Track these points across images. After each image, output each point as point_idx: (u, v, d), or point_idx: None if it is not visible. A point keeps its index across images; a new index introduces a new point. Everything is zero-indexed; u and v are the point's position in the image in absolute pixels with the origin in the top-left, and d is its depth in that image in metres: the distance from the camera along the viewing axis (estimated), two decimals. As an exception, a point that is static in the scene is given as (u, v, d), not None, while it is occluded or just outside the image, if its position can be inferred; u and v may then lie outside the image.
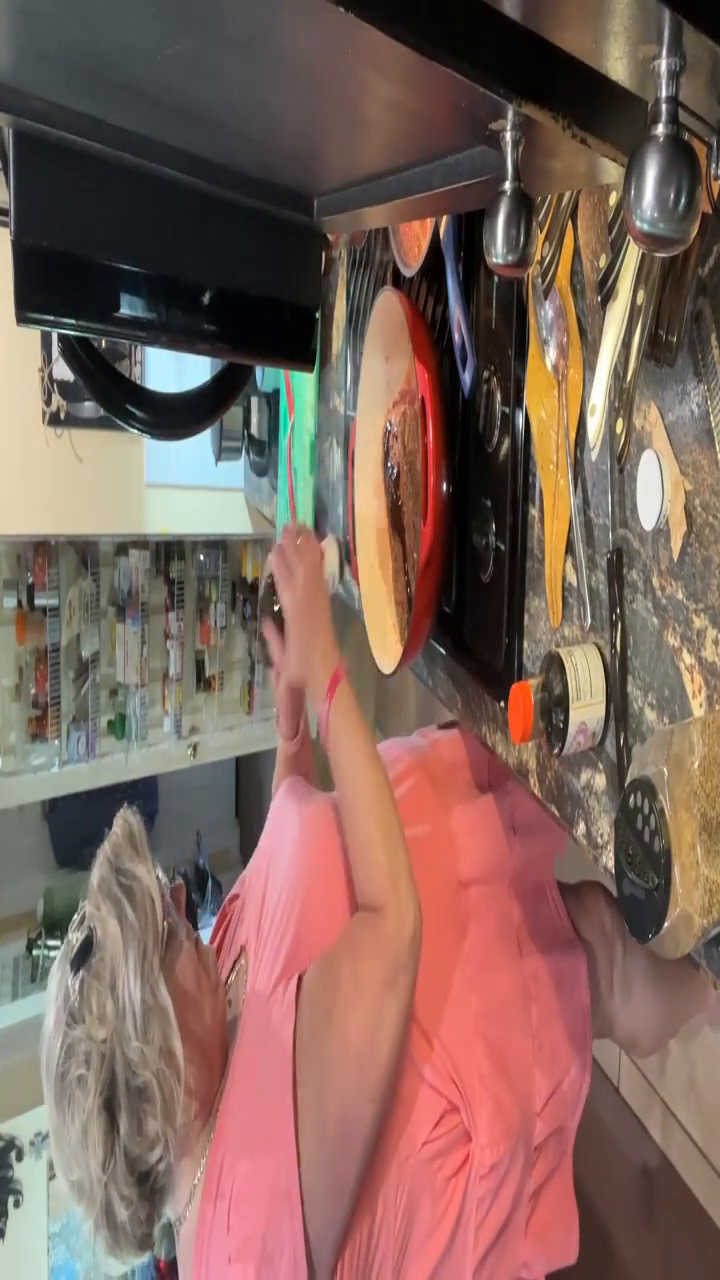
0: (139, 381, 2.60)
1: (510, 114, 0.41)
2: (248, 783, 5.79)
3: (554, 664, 0.75)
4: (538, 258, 0.78)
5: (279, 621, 1.07)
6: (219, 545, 3.62)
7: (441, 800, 1.11)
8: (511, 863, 1.07)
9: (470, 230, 0.96)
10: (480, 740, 1.04)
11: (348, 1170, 0.77)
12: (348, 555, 1.23)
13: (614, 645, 0.73)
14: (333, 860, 0.93)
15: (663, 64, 0.32)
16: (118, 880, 0.81)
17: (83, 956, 0.78)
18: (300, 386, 1.74)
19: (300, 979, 0.84)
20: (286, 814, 1.06)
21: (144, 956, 0.77)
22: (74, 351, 1.46)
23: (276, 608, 1.07)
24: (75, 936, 0.80)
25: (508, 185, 0.43)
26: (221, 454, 2.28)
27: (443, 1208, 0.85)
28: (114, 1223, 0.76)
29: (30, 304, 0.88)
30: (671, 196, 0.33)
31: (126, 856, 0.84)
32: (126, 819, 0.87)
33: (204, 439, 2.16)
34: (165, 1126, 0.75)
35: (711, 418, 0.61)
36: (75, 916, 0.82)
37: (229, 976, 0.96)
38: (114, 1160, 0.74)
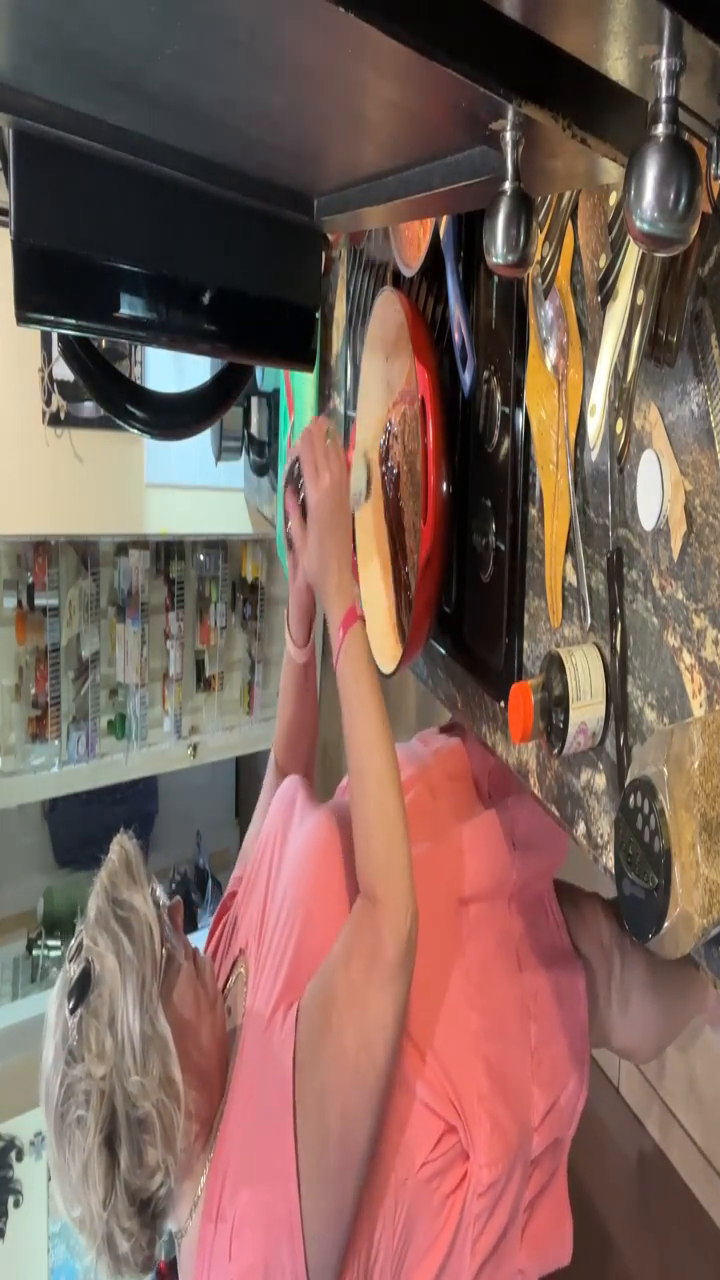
0: (139, 381, 2.60)
1: (510, 114, 0.41)
2: (248, 783, 5.79)
3: (554, 664, 0.75)
4: (538, 258, 0.78)
5: (302, 506, 1.03)
6: (219, 545, 3.63)
7: (443, 815, 1.10)
8: (512, 879, 1.07)
9: (470, 230, 0.96)
10: (480, 740, 1.04)
11: (347, 1192, 0.77)
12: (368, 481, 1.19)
13: (614, 645, 0.73)
14: (336, 878, 0.92)
15: (663, 64, 0.32)
16: (115, 913, 0.81)
17: (80, 991, 0.78)
18: (300, 386, 1.74)
19: (299, 1008, 0.84)
20: (288, 817, 1.05)
21: (142, 988, 0.77)
22: (74, 351, 1.46)
23: (302, 496, 1.03)
24: (72, 969, 0.79)
25: (508, 185, 0.43)
26: (221, 454, 2.28)
27: (440, 1225, 0.85)
28: (116, 1253, 0.76)
29: (30, 304, 0.88)
30: (671, 196, 0.33)
31: (123, 885, 0.83)
32: (123, 845, 0.86)
33: (204, 439, 2.16)
34: (166, 1154, 0.75)
35: (711, 418, 0.61)
36: (73, 943, 0.82)
37: (228, 981, 0.95)
38: (115, 1195, 0.74)
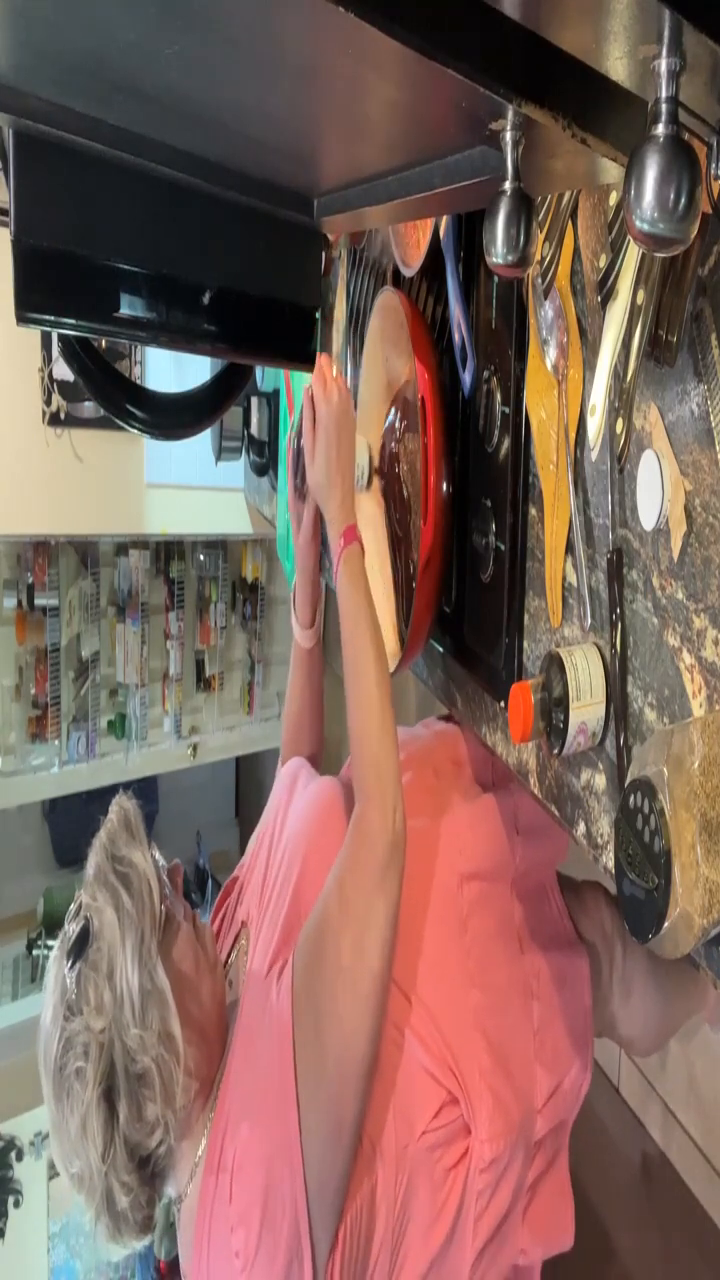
0: (139, 381, 2.60)
1: (510, 114, 0.41)
2: (248, 783, 5.79)
3: (554, 664, 0.75)
4: (538, 258, 0.78)
5: (301, 472, 1.09)
6: (219, 545, 3.63)
7: (444, 794, 1.11)
8: (514, 863, 1.07)
9: (470, 230, 0.96)
10: (480, 740, 1.04)
11: (347, 1112, 0.77)
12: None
13: (614, 645, 0.73)
14: (334, 834, 0.93)
15: (663, 64, 0.32)
16: (114, 868, 0.81)
17: (79, 947, 0.78)
18: (300, 386, 1.74)
19: (297, 942, 0.85)
20: (290, 794, 1.07)
21: (141, 942, 0.77)
22: (74, 351, 1.46)
23: (300, 463, 1.08)
24: (72, 928, 0.80)
25: (508, 185, 0.43)
26: (221, 454, 2.28)
27: (442, 1199, 0.85)
28: (115, 1210, 0.76)
29: (30, 304, 0.88)
30: (671, 196, 0.33)
31: (122, 842, 0.84)
32: (123, 804, 0.87)
33: (204, 439, 2.16)
34: (165, 1109, 0.75)
35: (711, 418, 0.61)
36: (71, 906, 0.82)
37: (229, 955, 0.96)
38: (113, 1149, 0.74)
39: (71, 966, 0.77)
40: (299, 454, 1.09)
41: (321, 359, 1.08)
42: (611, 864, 0.64)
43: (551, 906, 1.13)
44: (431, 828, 1.03)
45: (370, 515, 1.21)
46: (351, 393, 1.09)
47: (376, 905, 0.81)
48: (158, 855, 0.85)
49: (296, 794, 1.05)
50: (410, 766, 1.11)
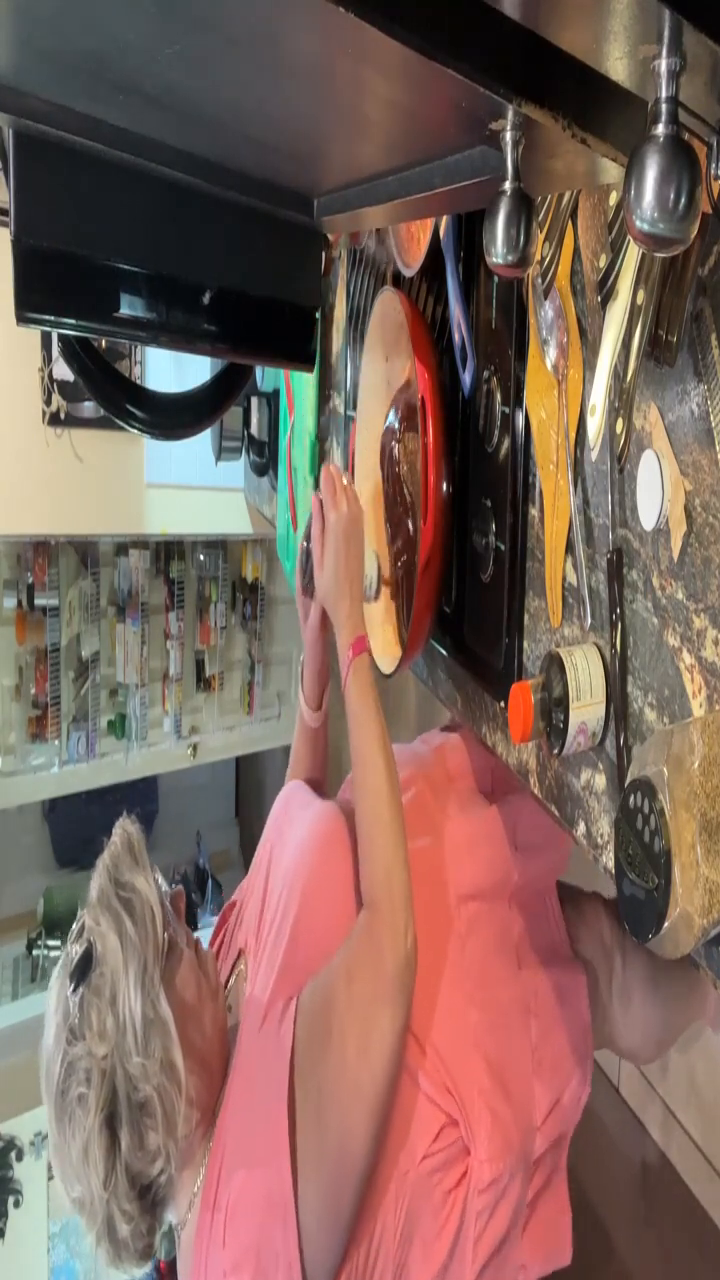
0: (139, 381, 2.60)
1: (510, 114, 0.41)
2: (248, 783, 5.79)
3: (554, 664, 0.75)
4: (538, 258, 0.78)
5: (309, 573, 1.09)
6: (219, 545, 3.63)
7: (443, 812, 1.10)
8: (513, 879, 1.07)
9: (470, 230, 0.96)
10: (480, 740, 1.04)
11: (346, 1195, 0.76)
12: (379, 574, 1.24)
13: (614, 645, 0.73)
14: (334, 866, 0.93)
15: (663, 64, 0.32)
16: (117, 893, 0.81)
17: (82, 971, 0.77)
18: (300, 386, 1.74)
19: (297, 1006, 0.84)
20: (289, 818, 1.06)
21: (144, 970, 0.77)
22: (74, 351, 1.46)
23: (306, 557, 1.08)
24: (75, 949, 0.79)
25: (508, 185, 0.43)
26: (221, 454, 2.28)
27: (442, 1221, 0.85)
28: (116, 1238, 0.76)
29: (30, 304, 0.88)
30: (671, 196, 0.33)
31: (126, 867, 0.83)
32: (126, 828, 0.87)
33: (204, 439, 2.16)
34: (167, 1139, 0.75)
35: (711, 418, 0.61)
36: (74, 926, 0.82)
37: (228, 980, 0.96)
38: (115, 1176, 0.73)
39: (74, 990, 0.77)
40: (307, 556, 1.09)
41: (331, 468, 1.08)
42: (611, 864, 0.64)
43: (549, 918, 1.12)
44: (430, 849, 1.02)
45: (371, 515, 1.21)
46: (355, 485, 1.10)
47: (383, 1016, 0.80)
48: (160, 880, 0.84)
49: (291, 821, 1.04)
50: (408, 786, 1.10)
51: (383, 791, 0.92)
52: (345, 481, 1.07)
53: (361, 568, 1.05)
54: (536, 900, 1.11)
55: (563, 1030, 1.03)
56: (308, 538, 1.09)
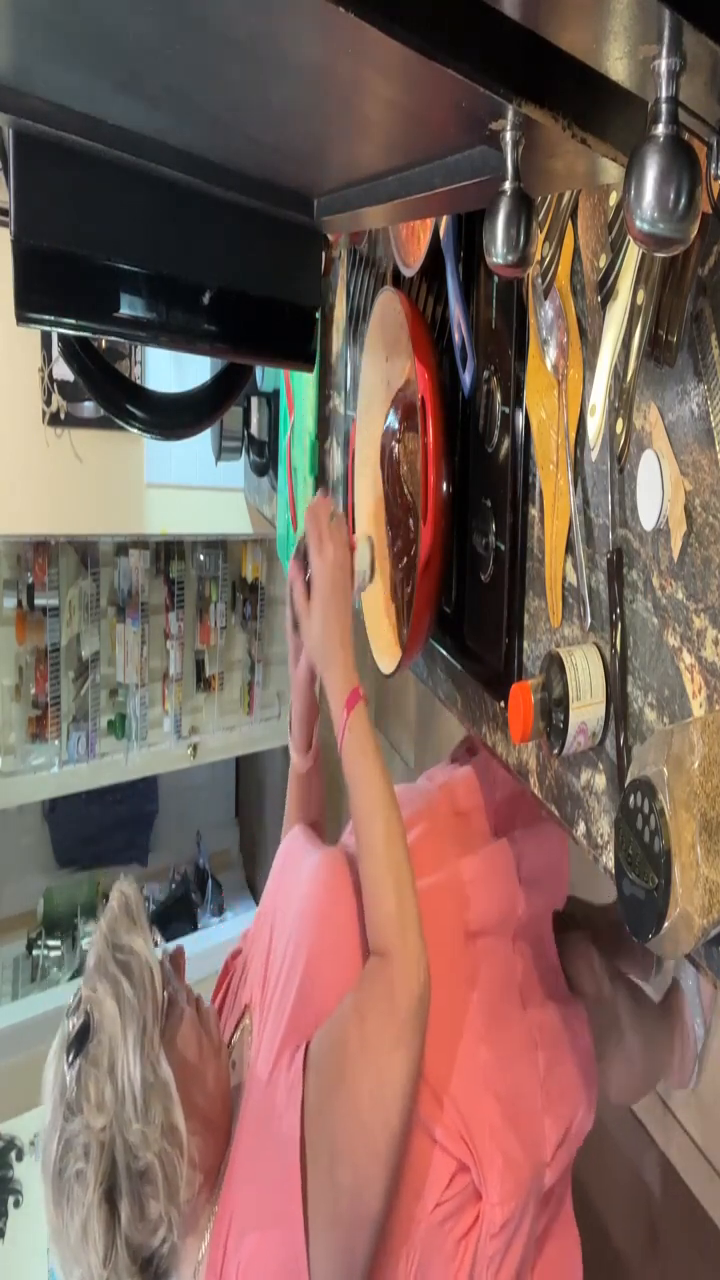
0: (139, 381, 2.60)
1: (510, 114, 0.41)
2: (248, 783, 5.79)
3: (554, 664, 0.75)
4: (538, 258, 0.78)
5: (306, 586, 1.05)
6: (219, 545, 3.63)
7: (452, 850, 1.09)
8: (518, 913, 1.06)
9: (470, 230, 0.96)
10: (480, 740, 1.04)
11: (359, 1248, 0.74)
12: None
13: (614, 645, 0.73)
14: (338, 915, 0.90)
15: (663, 64, 0.32)
16: (114, 957, 0.79)
17: (79, 1043, 0.75)
18: (300, 386, 1.74)
19: (307, 1047, 0.81)
20: (292, 867, 1.03)
21: (143, 1032, 0.75)
22: (74, 351, 1.46)
23: (308, 576, 1.04)
24: (72, 1023, 0.77)
25: (508, 185, 0.43)
26: (221, 454, 2.28)
27: (454, 1271, 0.83)
28: None
29: (30, 304, 0.88)
30: (671, 196, 0.33)
31: (123, 930, 0.81)
32: (123, 890, 0.85)
33: (204, 439, 2.16)
34: (169, 1206, 0.72)
35: (711, 418, 0.61)
36: (71, 1001, 0.79)
37: (233, 1037, 0.93)
38: (115, 1251, 0.71)
39: (71, 1063, 0.75)
40: (300, 552, 1.05)
41: (318, 501, 1.04)
42: (611, 864, 0.64)
43: (547, 958, 1.11)
44: (438, 886, 1.01)
45: (370, 515, 1.21)
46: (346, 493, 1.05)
47: (396, 1058, 0.78)
48: (159, 940, 0.83)
49: (293, 872, 1.01)
50: (414, 823, 1.08)
51: (393, 843, 0.88)
52: (331, 518, 1.03)
53: (349, 621, 1.00)
54: (536, 942, 1.10)
55: (569, 1060, 1.02)
56: (300, 553, 1.05)
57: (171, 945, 0.85)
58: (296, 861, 1.03)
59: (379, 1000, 0.80)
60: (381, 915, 0.85)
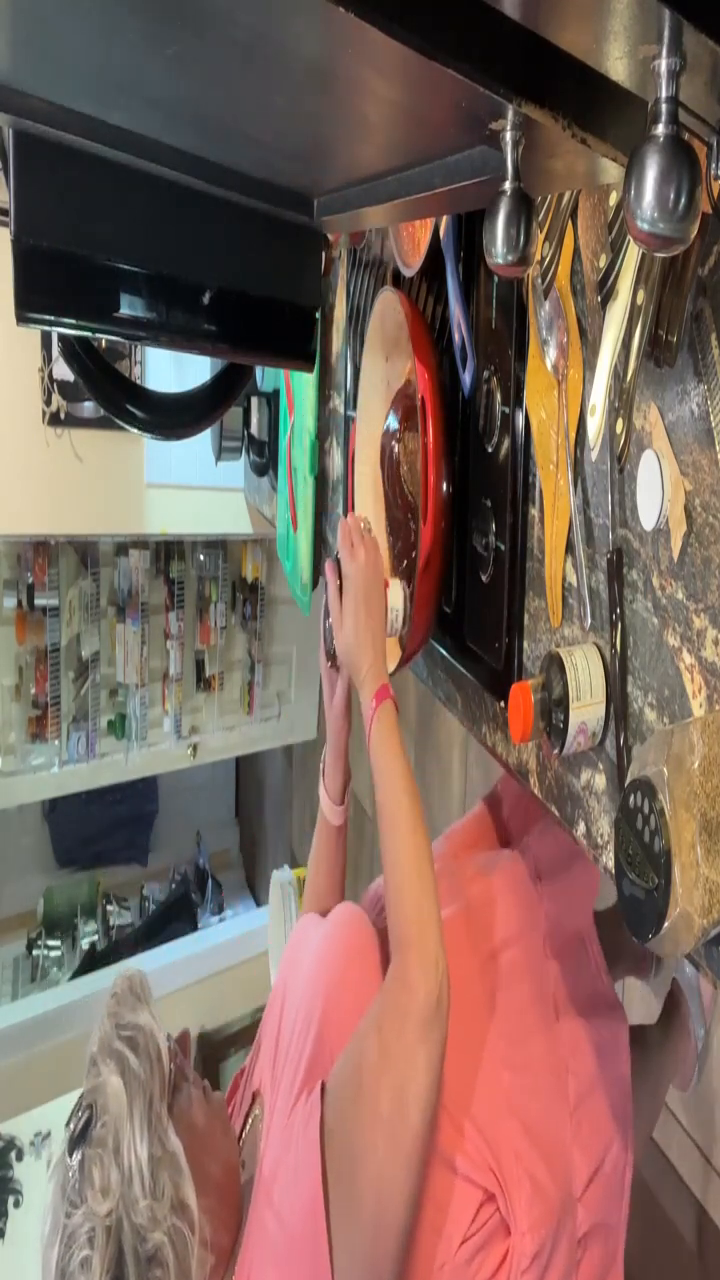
0: (139, 381, 2.60)
1: (510, 114, 0.41)
2: (248, 783, 5.79)
3: (554, 664, 0.75)
4: (538, 258, 0.78)
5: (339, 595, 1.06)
6: (219, 545, 3.63)
7: (462, 877, 1.09)
8: (542, 915, 1.04)
9: (470, 230, 0.96)
10: (480, 740, 1.04)
11: (385, 1265, 0.71)
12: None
13: (614, 645, 0.73)
14: (355, 957, 0.89)
15: (663, 64, 0.32)
16: (119, 1035, 0.77)
17: (83, 1134, 0.72)
18: (300, 386, 1.74)
19: (324, 1083, 0.78)
20: (302, 943, 1.00)
21: (150, 1106, 0.73)
22: (74, 351, 1.46)
23: (340, 582, 1.05)
24: (74, 1122, 0.74)
25: (508, 185, 0.43)
26: (221, 454, 2.28)
27: None
28: None
29: (30, 304, 0.88)
30: (672, 196, 0.33)
31: (128, 1009, 0.79)
32: (129, 976, 0.83)
33: (204, 439, 2.16)
34: None
35: (711, 418, 0.61)
36: (75, 1104, 0.76)
37: (242, 1132, 0.89)
38: None
39: (73, 1154, 0.72)
40: (330, 628, 1.06)
41: (349, 519, 1.05)
42: (611, 864, 0.64)
43: (589, 960, 1.08)
44: (456, 915, 1.00)
45: (370, 514, 1.21)
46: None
47: (418, 1059, 0.74)
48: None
49: (307, 942, 0.99)
50: None
51: (416, 834, 0.87)
52: (364, 528, 1.04)
53: (384, 617, 1.02)
54: (574, 941, 1.07)
55: (602, 1091, 0.98)
56: (327, 614, 1.06)
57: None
58: (307, 938, 1.00)
59: (398, 1001, 0.78)
60: (402, 909, 0.83)
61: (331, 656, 1.10)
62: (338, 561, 1.05)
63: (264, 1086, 0.89)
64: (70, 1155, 0.72)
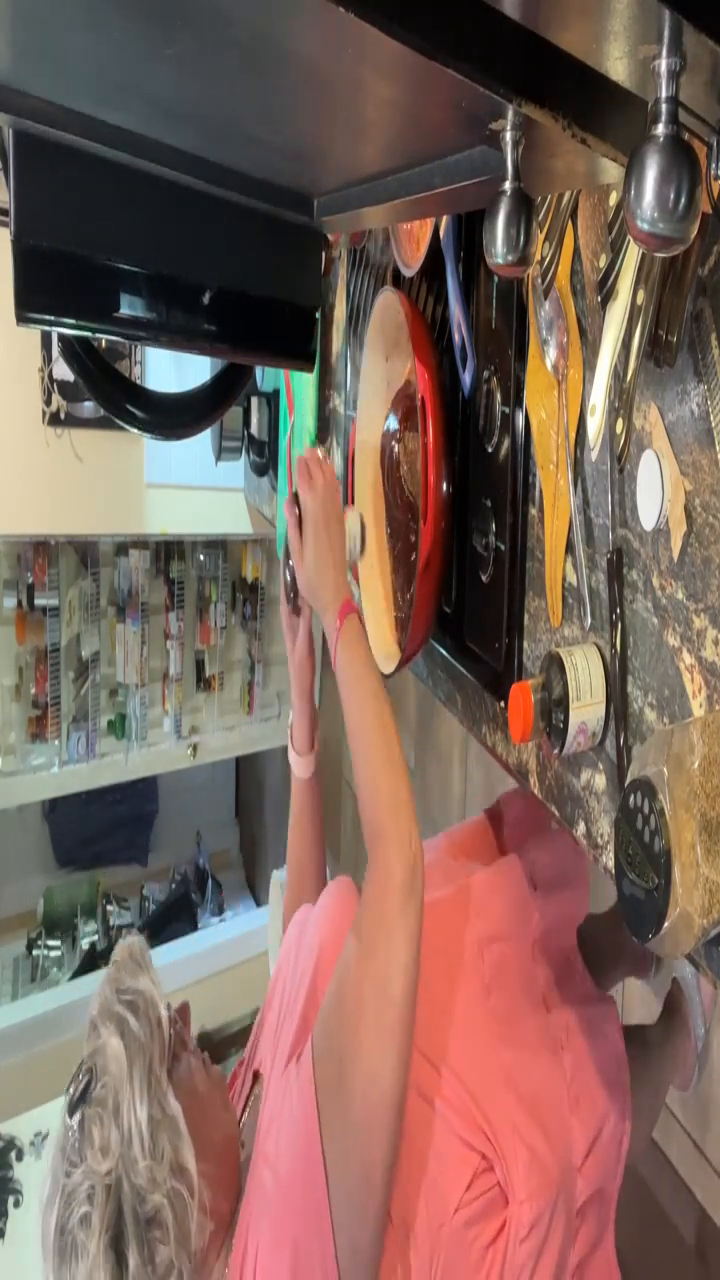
0: (139, 381, 2.61)
1: (510, 114, 0.41)
2: (248, 783, 5.79)
3: (554, 664, 0.75)
4: (538, 258, 0.78)
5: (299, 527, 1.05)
6: (219, 545, 3.63)
7: (463, 870, 1.09)
8: (534, 922, 1.05)
9: (470, 230, 0.96)
10: (480, 740, 1.04)
11: (376, 1157, 0.71)
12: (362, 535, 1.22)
13: (614, 645, 0.73)
14: (348, 924, 0.87)
15: (663, 64, 0.32)
16: (119, 999, 0.77)
17: (83, 1096, 0.73)
18: (300, 386, 1.74)
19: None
20: (300, 921, 1.01)
21: (150, 1069, 0.73)
22: (74, 351, 1.46)
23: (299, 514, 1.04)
24: (75, 1084, 0.74)
25: (508, 185, 0.43)
26: (221, 454, 2.28)
27: (481, 1279, 0.81)
28: None
29: (30, 304, 0.88)
30: (671, 196, 0.33)
31: (128, 974, 0.79)
32: (130, 943, 0.83)
33: (204, 439, 2.16)
34: (179, 1252, 0.69)
35: (711, 418, 0.61)
36: (76, 1068, 0.76)
37: (243, 1115, 0.88)
38: None
39: (73, 1114, 0.72)
40: (292, 573, 1.05)
41: (308, 453, 1.05)
42: (611, 864, 0.64)
43: (575, 974, 1.09)
44: (451, 897, 1.01)
45: (370, 515, 1.21)
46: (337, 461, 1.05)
47: (397, 935, 0.75)
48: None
49: (305, 933, 0.98)
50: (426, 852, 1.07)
51: (387, 735, 0.86)
52: (320, 456, 1.04)
53: (343, 543, 1.02)
54: (560, 957, 1.08)
55: (597, 1062, 0.99)
56: (288, 555, 1.05)
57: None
58: (305, 918, 1.00)
59: (374, 887, 0.78)
60: (376, 800, 0.83)
61: (291, 599, 1.09)
62: (296, 498, 1.04)
63: (264, 1065, 0.89)
64: (70, 1116, 0.72)
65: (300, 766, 1.12)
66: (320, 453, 1.06)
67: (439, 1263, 0.78)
